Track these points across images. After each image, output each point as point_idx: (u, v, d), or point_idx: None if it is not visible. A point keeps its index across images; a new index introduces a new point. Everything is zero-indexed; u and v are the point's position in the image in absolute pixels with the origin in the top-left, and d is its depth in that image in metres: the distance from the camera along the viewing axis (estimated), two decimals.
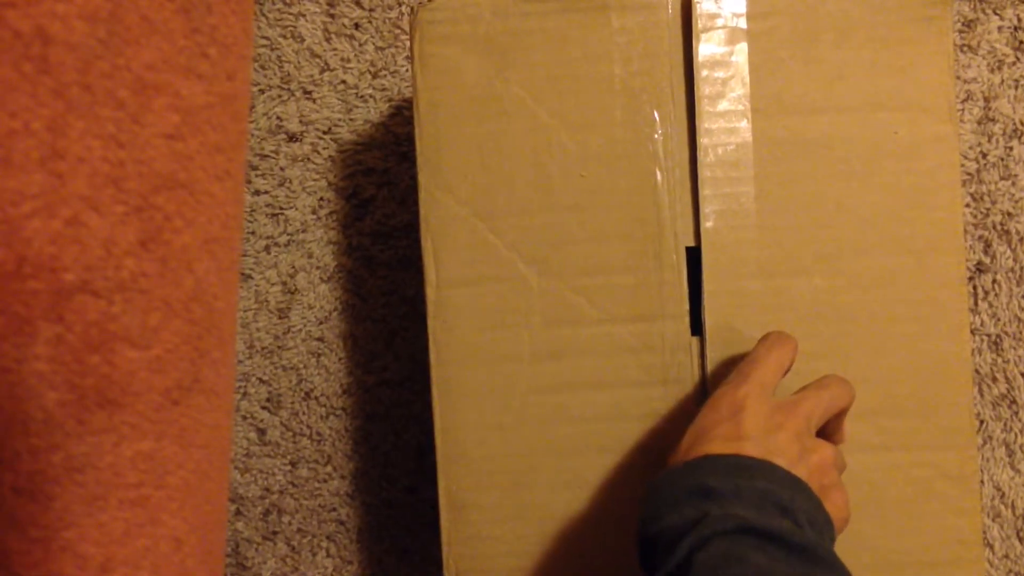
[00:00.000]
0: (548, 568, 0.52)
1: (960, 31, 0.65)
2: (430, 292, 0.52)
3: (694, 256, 0.52)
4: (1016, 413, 0.66)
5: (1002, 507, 0.67)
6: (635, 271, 0.51)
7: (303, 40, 0.68)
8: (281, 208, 0.69)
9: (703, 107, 0.52)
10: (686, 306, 0.51)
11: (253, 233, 0.68)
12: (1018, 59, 0.65)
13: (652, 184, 0.52)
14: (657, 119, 0.52)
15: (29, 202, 0.17)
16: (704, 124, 0.52)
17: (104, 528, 0.20)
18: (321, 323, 0.69)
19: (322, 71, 0.68)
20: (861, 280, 0.52)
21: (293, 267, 0.69)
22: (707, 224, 0.52)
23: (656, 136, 0.52)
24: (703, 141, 0.52)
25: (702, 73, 0.52)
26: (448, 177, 0.52)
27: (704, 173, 0.52)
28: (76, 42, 0.18)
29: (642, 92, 0.52)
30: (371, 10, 0.68)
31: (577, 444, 0.52)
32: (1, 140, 0.17)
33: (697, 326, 0.52)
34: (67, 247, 0.18)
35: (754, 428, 0.43)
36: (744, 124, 0.52)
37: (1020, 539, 0.67)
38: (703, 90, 0.52)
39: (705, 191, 0.52)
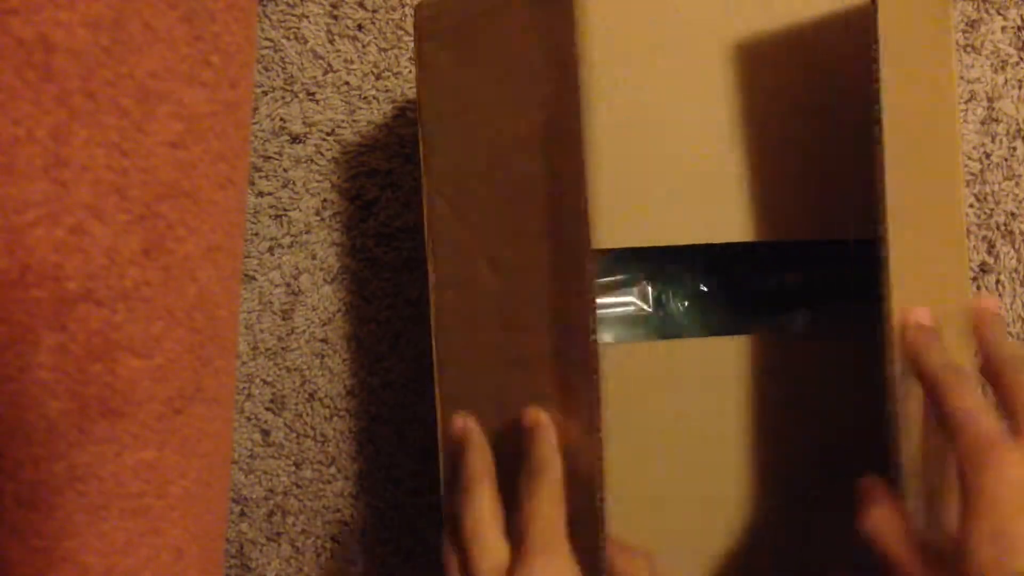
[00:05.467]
0: None
1: (963, 31, 0.65)
2: (431, 294, 0.52)
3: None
4: None
5: None
6: (543, 273, 0.44)
7: (306, 41, 0.68)
8: (285, 210, 0.69)
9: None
10: (589, 317, 0.42)
11: (256, 235, 0.68)
12: (1022, 59, 0.65)
13: (551, 167, 0.43)
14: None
15: (32, 210, 0.17)
16: None
17: (106, 538, 0.19)
18: (325, 325, 0.69)
19: (325, 72, 0.68)
20: None
21: (297, 268, 0.69)
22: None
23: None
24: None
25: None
26: (438, 178, 0.51)
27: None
28: (79, 50, 0.17)
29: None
30: (374, 11, 0.68)
31: (518, 465, 0.45)
32: (4, 148, 0.17)
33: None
34: (70, 256, 0.18)
35: None
36: None
37: None
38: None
39: None
